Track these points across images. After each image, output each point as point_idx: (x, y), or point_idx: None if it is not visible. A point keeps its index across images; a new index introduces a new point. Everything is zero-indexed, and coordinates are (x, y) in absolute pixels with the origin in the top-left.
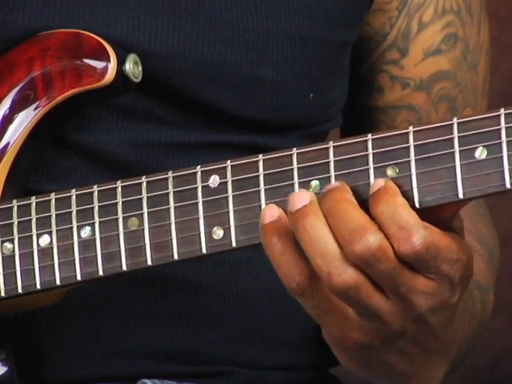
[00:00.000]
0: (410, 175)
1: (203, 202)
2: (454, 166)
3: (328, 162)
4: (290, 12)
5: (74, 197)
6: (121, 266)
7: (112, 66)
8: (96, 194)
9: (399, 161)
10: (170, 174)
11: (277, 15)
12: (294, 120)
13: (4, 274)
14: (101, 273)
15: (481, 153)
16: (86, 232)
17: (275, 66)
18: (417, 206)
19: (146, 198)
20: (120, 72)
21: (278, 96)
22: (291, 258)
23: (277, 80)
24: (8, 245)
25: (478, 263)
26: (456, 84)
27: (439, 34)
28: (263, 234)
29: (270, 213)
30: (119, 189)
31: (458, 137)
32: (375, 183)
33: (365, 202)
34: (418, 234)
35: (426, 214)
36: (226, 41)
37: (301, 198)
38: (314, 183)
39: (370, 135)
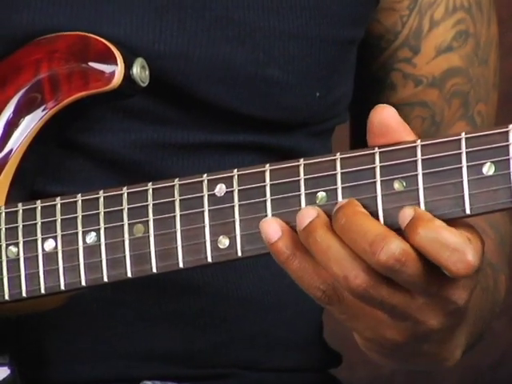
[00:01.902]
0: (417, 189)
1: (209, 210)
2: (462, 182)
3: (335, 174)
4: (296, 11)
5: (79, 202)
6: (126, 273)
7: (119, 71)
8: (102, 199)
9: (406, 174)
10: (177, 182)
11: (283, 14)
12: (300, 119)
13: (8, 278)
14: (105, 279)
15: (489, 168)
16: (91, 237)
17: (281, 66)
18: None
19: (151, 205)
20: (127, 76)
21: (285, 95)
22: (311, 269)
23: (283, 79)
24: (13, 248)
25: (487, 245)
26: (468, 80)
27: (450, 32)
28: (275, 254)
29: (273, 229)
30: (125, 195)
31: (466, 152)
32: (405, 213)
33: (373, 214)
34: (472, 252)
35: None
36: (232, 40)
37: (307, 214)
38: (321, 195)
39: (377, 148)
